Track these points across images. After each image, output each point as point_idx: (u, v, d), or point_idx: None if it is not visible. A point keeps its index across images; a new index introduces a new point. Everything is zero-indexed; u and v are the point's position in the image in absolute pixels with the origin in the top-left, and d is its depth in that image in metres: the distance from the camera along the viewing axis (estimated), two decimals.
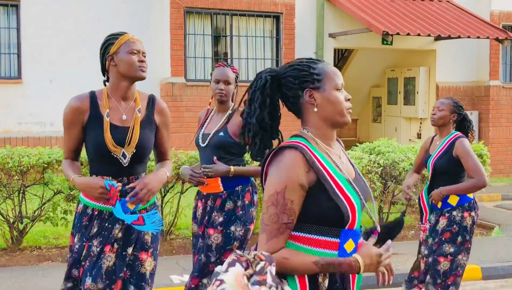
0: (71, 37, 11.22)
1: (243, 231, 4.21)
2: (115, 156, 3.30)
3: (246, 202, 4.28)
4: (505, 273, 6.70)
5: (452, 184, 4.69)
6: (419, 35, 12.00)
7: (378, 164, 7.73)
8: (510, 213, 9.89)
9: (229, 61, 12.45)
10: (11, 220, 6.91)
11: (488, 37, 12.58)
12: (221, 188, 4.26)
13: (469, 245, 4.77)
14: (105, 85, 3.55)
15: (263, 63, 12.61)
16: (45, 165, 6.77)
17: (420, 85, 14.21)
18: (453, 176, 4.72)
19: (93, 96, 3.46)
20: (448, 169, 4.72)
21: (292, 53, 12.54)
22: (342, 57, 16.81)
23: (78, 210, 3.39)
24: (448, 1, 14.03)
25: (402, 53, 14.97)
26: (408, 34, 11.79)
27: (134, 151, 3.32)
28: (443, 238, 4.68)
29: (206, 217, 4.27)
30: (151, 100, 3.51)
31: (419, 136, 14.52)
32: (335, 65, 15.46)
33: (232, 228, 4.19)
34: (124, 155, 3.31)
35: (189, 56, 12.14)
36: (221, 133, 4.28)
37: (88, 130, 3.38)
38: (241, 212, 4.23)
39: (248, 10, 12.37)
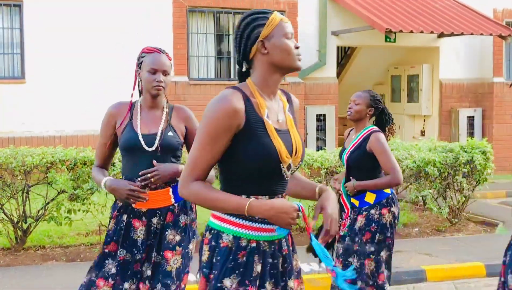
0: (74, 36, 11.21)
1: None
2: (283, 169, 2.53)
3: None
4: None
5: (367, 179, 4.54)
6: (422, 32, 11.97)
7: None
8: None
9: (232, 59, 12.45)
10: (15, 220, 6.91)
11: (491, 34, 12.54)
12: (172, 200, 3.54)
13: (391, 241, 4.59)
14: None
15: None
16: (49, 165, 6.77)
17: (423, 83, 14.18)
18: (368, 171, 4.56)
19: (244, 94, 2.53)
20: (362, 164, 4.57)
21: None
22: (345, 55, 16.79)
23: (224, 244, 2.48)
24: None
25: (405, 51, 14.94)
26: (411, 31, 11.76)
27: (300, 162, 2.63)
28: (364, 239, 4.52)
29: (155, 238, 3.53)
30: (289, 97, 2.79)
31: (422, 133, 14.49)
32: (338, 63, 15.46)
33: (190, 246, 3.60)
34: (289, 167, 2.56)
35: (192, 55, 12.14)
36: (170, 133, 3.58)
37: (243, 138, 2.47)
38: (195, 225, 3.69)
39: (251, 8, 12.35)
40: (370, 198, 4.58)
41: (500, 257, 6.98)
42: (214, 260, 2.48)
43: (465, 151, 8.16)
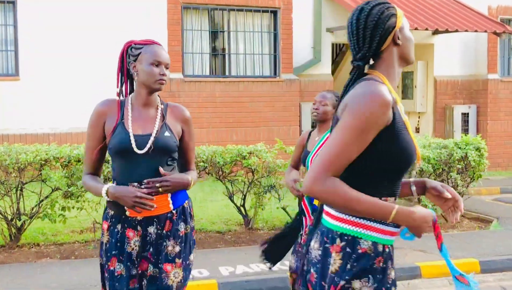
0: (68, 34, 11.17)
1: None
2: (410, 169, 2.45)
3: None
4: (503, 266, 6.67)
5: None
6: (416, 29, 11.96)
7: None
8: (509, 207, 9.87)
9: (226, 56, 12.44)
10: (9, 217, 6.89)
11: (486, 31, 12.56)
12: (171, 206, 3.25)
13: None
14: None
15: (261, 58, 12.58)
16: (43, 162, 6.74)
17: (418, 79, 14.19)
18: None
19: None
20: None
21: (290, 48, 12.51)
22: (340, 52, 16.81)
23: (363, 250, 2.30)
24: None
25: None
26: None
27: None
28: None
29: (151, 250, 3.21)
30: None
31: (417, 130, 14.51)
32: (332, 60, 15.46)
33: (191, 257, 3.35)
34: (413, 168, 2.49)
35: (187, 52, 12.12)
36: (167, 133, 3.26)
37: (389, 135, 2.28)
38: (195, 234, 3.46)
39: (246, 5, 12.34)
40: None
41: (494, 253, 7.04)
42: (349, 267, 2.27)
43: (459, 148, 8.17)
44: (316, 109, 4.54)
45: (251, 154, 7.63)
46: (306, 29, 12.87)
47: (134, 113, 3.24)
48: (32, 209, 6.93)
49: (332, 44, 14.12)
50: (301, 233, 4.33)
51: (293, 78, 12.52)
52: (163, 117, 3.29)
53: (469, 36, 13.89)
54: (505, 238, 7.70)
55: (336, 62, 16.52)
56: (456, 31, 12.48)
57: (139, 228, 3.18)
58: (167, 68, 3.25)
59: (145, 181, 3.11)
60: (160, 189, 3.11)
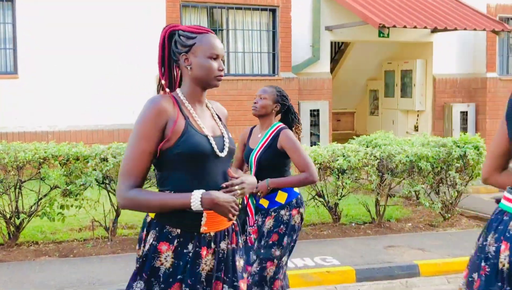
0: (66, 32, 11.17)
1: None
2: None
3: None
4: None
5: (277, 177, 4.28)
6: (415, 27, 11.98)
7: (374, 156, 7.71)
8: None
9: (225, 54, 12.42)
10: (8, 216, 6.88)
11: (484, 29, 12.58)
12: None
13: (294, 245, 4.32)
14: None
15: (259, 56, 12.59)
16: (41, 160, 6.74)
17: (417, 78, 14.21)
18: (279, 170, 4.33)
19: None
20: (274, 163, 4.31)
21: (289, 46, 12.52)
22: (338, 50, 16.81)
23: None
24: None
25: (399, 46, 14.96)
26: (405, 26, 11.77)
27: None
28: (270, 241, 4.19)
29: (224, 267, 2.79)
30: None
31: (416, 128, 14.53)
32: (331, 58, 15.48)
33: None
34: None
35: None
36: (230, 134, 3.02)
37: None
38: None
39: (245, 3, 12.34)
40: (281, 197, 4.30)
41: None
42: None
43: (458, 146, 8.17)
44: (255, 103, 4.39)
45: None
46: (305, 27, 12.87)
47: (196, 111, 2.79)
48: (31, 207, 6.93)
49: (331, 43, 14.14)
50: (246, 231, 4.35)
51: (291, 76, 12.52)
52: (218, 116, 2.97)
53: (468, 35, 13.90)
54: None
55: (335, 61, 16.52)
56: (455, 29, 12.49)
57: (212, 245, 2.72)
58: (223, 62, 2.87)
59: (224, 185, 2.71)
60: (239, 193, 2.71)
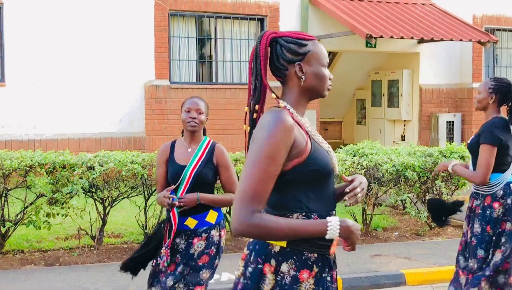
0: (54, 39, 11.13)
1: None
2: None
3: None
4: None
5: (209, 193, 4.03)
6: (402, 38, 12.03)
7: (361, 166, 7.74)
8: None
9: (213, 63, 12.44)
10: None
11: (470, 40, 12.64)
12: None
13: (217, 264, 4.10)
14: None
15: (247, 65, 12.58)
16: (28, 168, 6.69)
17: (403, 88, 14.25)
18: (211, 186, 4.09)
19: None
20: (211, 180, 4.05)
21: None
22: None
23: None
24: (431, 4, 14.11)
25: (386, 56, 15.02)
26: (392, 37, 11.82)
27: None
28: (200, 264, 3.94)
29: None
30: None
31: (403, 138, 14.57)
32: None
33: None
34: None
35: (174, 59, 12.11)
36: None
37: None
38: None
39: (233, 12, 12.36)
40: (212, 217, 4.02)
41: None
42: None
43: (444, 156, 8.22)
44: (193, 118, 4.01)
45: (237, 161, 7.62)
46: None
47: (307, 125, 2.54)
48: (17, 215, 6.87)
49: None
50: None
51: (279, 85, 12.50)
52: None
53: (454, 45, 13.98)
54: None
55: None
56: (441, 40, 12.56)
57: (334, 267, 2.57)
58: None
59: (347, 189, 2.53)
60: (360, 195, 2.56)
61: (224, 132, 12.01)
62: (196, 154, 4.04)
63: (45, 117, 11.15)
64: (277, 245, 2.34)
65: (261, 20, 12.62)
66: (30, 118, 11.08)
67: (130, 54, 11.53)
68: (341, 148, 9.09)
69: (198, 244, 3.97)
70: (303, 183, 2.37)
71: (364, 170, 7.71)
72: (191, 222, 3.99)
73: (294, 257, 2.34)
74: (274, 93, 2.49)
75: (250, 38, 12.65)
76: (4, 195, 6.77)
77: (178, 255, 3.98)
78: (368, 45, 12.87)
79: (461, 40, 12.50)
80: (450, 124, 14.04)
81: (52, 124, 11.18)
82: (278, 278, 2.34)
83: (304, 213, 2.37)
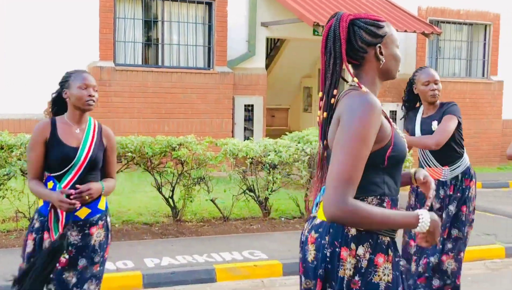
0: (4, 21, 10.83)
1: None
2: None
3: None
4: None
5: (97, 180, 3.67)
6: None
7: (305, 152, 7.78)
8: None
9: (160, 46, 12.30)
10: None
11: (415, 31, 12.86)
12: None
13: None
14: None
15: (195, 49, 12.50)
16: None
17: (349, 77, 14.37)
18: (99, 170, 3.70)
19: None
20: (100, 162, 3.67)
21: (225, 41, 12.48)
22: (274, 46, 16.89)
23: None
24: None
25: None
26: None
27: None
28: (106, 256, 3.68)
29: None
30: None
31: None
32: (267, 55, 15.51)
33: None
34: None
35: (119, 40, 11.90)
36: None
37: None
38: None
39: None
40: (102, 203, 3.68)
41: None
42: None
43: None
44: (92, 96, 3.62)
45: (181, 145, 7.57)
46: (241, 22, 12.86)
47: None
48: None
49: (267, 39, 14.18)
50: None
51: (226, 70, 12.49)
52: None
53: (400, 36, 14.17)
54: None
55: (270, 57, 16.59)
56: None
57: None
58: None
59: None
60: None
61: (169, 116, 11.92)
62: (87, 135, 3.60)
63: None
64: (352, 228, 2.30)
65: (209, 4, 12.52)
66: None
67: (74, 35, 11.27)
68: (286, 134, 9.13)
69: (97, 234, 3.56)
70: (381, 168, 2.34)
71: (308, 156, 7.76)
72: (83, 212, 3.53)
73: (370, 240, 2.31)
74: (355, 78, 2.42)
75: (198, 22, 12.54)
76: None
77: (71, 248, 3.49)
78: (316, 33, 12.93)
79: (405, 31, 12.70)
80: (393, 113, 14.26)
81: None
82: (357, 262, 2.30)
83: (378, 197, 2.34)
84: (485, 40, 15.36)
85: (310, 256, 2.36)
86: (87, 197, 3.46)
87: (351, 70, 2.44)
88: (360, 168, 2.19)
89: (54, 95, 3.71)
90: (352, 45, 2.41)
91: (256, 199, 8.04)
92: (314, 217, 2.44)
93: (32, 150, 3.56)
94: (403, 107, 4.98)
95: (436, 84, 4.59)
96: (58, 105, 3.68)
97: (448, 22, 14.96)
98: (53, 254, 3.36)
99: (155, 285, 5.76)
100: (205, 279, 5.90)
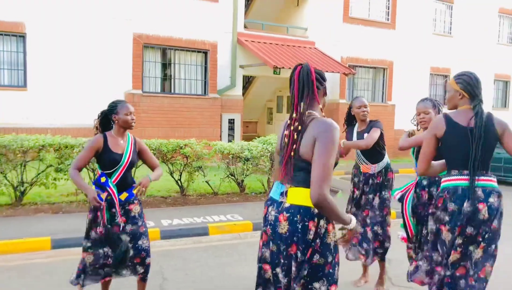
0: (64, 58, 10.64)
1: None
2: None
3: None
4: None
5: (130, 172, 3.49)
6: None
7: (267, 150, 7.81)
8: (348, 183, 10.15)
9: (172, 80, 12.23)
10: (15, 185, 6.50)
11: (339, 72, 12.97)
12: None
13: None
14: None
15: (195, 82, 12.45)
16: (41, 147, 6.41)
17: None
18: (134, 167, 3.57)
19: None
20: (136, 162, 3.51)
21: (215, 77, 12.45)
22: (248, 81, 16.89)
23: None
24: (315, 48, 14.35)
25: (286, 80, 15.16)
26: (289, 68, 11.98)
27: None
28: (144, 229, 3.50)
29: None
30: None
31: None
32: (243, 87, 15.50)
33: None
34: None
35: (145, 76, 11.81)
36: None
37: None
38: None
39: (186, 47, 12.18)
40: (135, 190, 3.40)
41: None
42: None
43: None
44: (134, 120, 3.47)
45: (186, 145, 7.54)
46: (226, 64, 12.85)
47: None
48: (32, 179, 6.57)
49: (243, 76, 14.18)
50: None
51: (216, 96, 12.47)
52: None
53: (329, 75, 14.29)
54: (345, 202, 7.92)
55: (245, 88, 16.58)
56: (321, 71, 12.78)
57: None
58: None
59: None
60: None
61: (178, 126, 11.87)
62: (127, 146, 3.46)
63: (54, 112, 10.66)
64: (316, 209, 2.21)
65: (205, 53, 12.49)
66: (44, 112, 10.57)
67: (116, 72, 11.17)
68: (256, 139, 9.14)
69: (135, 208, 3.44)
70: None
71: (269, 153, 7.78)
72: (123, 196, 3.42)
73: (325, 217, 2.24)
74: (321, 105, 2.37)
75: (198, 64, 12.50)
76: (23, 165, 6.45)
77: (123, 217, 3.39)
78: (275, 72, 12.99)
79: (333, 71, 12.82)
80: None
81: (59, 118, 10.70)
82: (317, 230, 2.24)
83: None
84: (383, 78, 15.57)
85: (283, 229, 2.25)
86: (144, 189, 3.32)
87: (320, 100, 2.38)
88: (332, 172, 2.17)
89: (101, 117, 3.51)
90: (315, 86, 2.38)
91: (235, 181, 8.05)
92: (282, 202, 2.28)
93: (86, 151, 3.39)
94: (344, 124, 4.56)
95: (365, 107, 4.31)
96: (104, 123, 3.51)
97: (360, 66, 15.11)
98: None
99: (168, 238, 5.74)
100: (202, 233, 5.90)
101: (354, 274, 4.58)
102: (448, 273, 2.84)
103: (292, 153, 2.26)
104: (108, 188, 3.36)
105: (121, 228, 3.39)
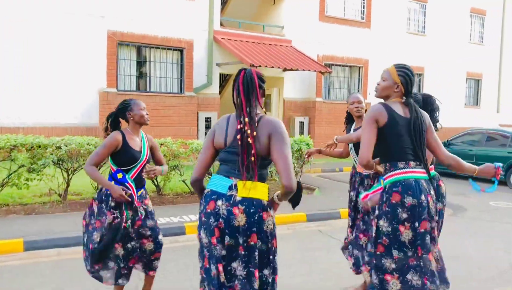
0: (35, 56, 10.43)
1: None
2: None
3: None
4: (322, 217, 6.88)
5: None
6: (272, 67, 12.28)
7: None
8: (326, 180, 10.35)
9: (148, 78, 12.14)
10: None
11: (315, 70, 13.09)
12: None
13: None
14: None
15: (171, 80, 12.40)
16: (12, 147, 6.27)
17: (273, 100, 14.53)
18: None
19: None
20: (151, 158, 3.60)
21: (191, 75, 12.42)
22: (225, 79, 16.87)
23: None
24: (291, 46, 14.45)
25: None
26: (266, 66, 12.05)
27: None
28: (157, 223, 3.60)
29: None
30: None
31: None
32: (220, 85, 15.49)
33: None
34: None
35: (120, 74, 11.70)
36: None
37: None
38: None
39: (162, 44, 12.11)
40: (147, 187, 3.61)
41: (315, 209, 7.26)
42: None
43: (297, 143, 8.47)
44: (148, 115, 3.55)
45: (162, 144, 7.52)
46: (202, 62, 12.83)
47: None
48: (3, 180, 6.44)
49: (220, 74, 14.16)
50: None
51: (193, 95, 12.44)
52: None
53: (305, 73, 14.42)
54: (322, 199, 8.08)
55: (222, 86, 16.57)
56: (297, 69, 12.92)
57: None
58: None
59: None
60: None
61: (155, 125, 11.79)
62: (144, 143, 3.49)
63: (26, 111, 10.45)
64: (266, 200, 2.40)
65: (181, 51, 12.44)
66: (16, 110, 10.34)
67: (90, 70, 11.02)
68: None
69: (149, 204, 3.53)
70: (267, 164, 2.47)
71: None
72: (140, 193, 3.47)
73: (272, 208, 2.43)
74: (262, 107, 2.53)
75: (173, 62, 12.45)
76: None
77: (141, 215, 3.46)
78: None
79: (309, 70, 12.94)
80: (301, 124, 14.49)
81: (31, 116, 10.49)
82: (270, 219, 2.39)
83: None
84: (359, 76, 15.80)
85: (241, 222, 2.31)
86: (153, 175, 3.43)
87: (261, 101, 2.53)
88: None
89: (111, 118, 3.49)
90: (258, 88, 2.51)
91: None
92: (231, 196, 2.33)
93: (105, 148, 3.31)
94: (345, 123, 4.42)
95: (359, 103, 4.11)
96: (114, 123, 3.48)
97: (336, 65, 15.28)
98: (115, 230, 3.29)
99: None
100: (178, 233, 5.88)
101: (354, 275, 4.56)
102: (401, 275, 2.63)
103: (255, 156, 2.35)
104: (126, 184, 3.34)
105: (140, 223, 3.41)
